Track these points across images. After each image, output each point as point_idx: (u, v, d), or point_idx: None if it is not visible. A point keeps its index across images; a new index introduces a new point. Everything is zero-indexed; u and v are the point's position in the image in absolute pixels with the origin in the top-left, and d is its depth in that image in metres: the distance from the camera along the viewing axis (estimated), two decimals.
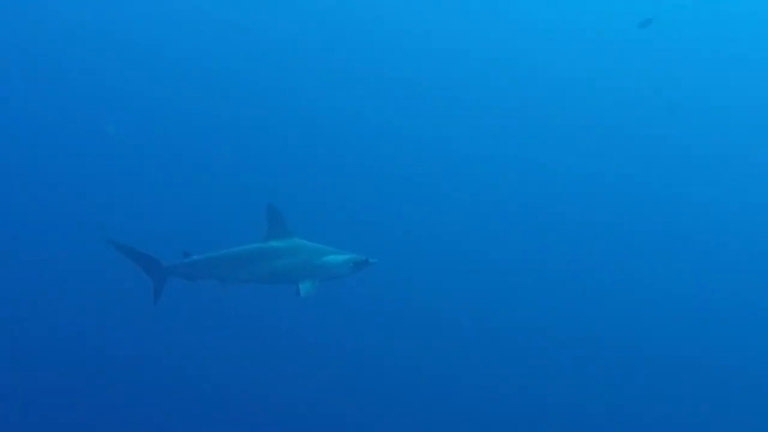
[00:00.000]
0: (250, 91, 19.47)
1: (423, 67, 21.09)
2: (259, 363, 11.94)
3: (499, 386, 12.42)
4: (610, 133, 20.00)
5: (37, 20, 19.79)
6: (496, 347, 13.26)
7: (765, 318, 14.99)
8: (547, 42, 21.96)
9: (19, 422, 10.30)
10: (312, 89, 19.88)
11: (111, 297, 11.84)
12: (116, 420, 10.73)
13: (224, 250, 7.87)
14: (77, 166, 16.58)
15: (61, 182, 15.87)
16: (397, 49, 21.59)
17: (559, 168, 18.61)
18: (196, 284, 7.97)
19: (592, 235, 16.73)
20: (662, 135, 19.78)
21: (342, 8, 21.87)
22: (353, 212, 15.31)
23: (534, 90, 20.69)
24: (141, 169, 16.65)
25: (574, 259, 15.80)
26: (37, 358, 11.23)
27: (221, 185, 15.98)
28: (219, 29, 20.74)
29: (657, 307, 14.86)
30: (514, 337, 13.54)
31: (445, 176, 17.91)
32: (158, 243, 8.19)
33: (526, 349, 13.41)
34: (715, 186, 19.05)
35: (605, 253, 16.31)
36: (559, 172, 18.51)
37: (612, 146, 19.69)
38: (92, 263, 11.22)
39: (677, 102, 17.11)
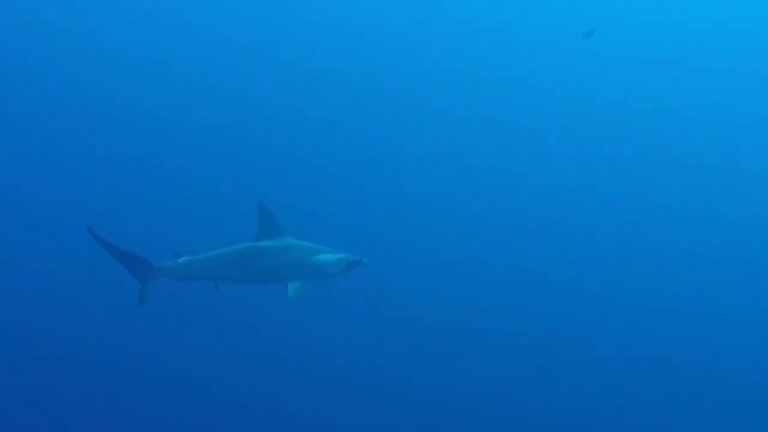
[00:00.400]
0: (239, 91, 19.42)
1: (413, 71, 21.09)
2: (249, 364, 11.89)
3: (491, 389, 12.41)
4: (603, 137, 20.16)
5: (33, 21, 19.70)
6: (487, 349, 13.24)
7: (758, 320, 15.06)
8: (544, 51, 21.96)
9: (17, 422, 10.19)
10: (301, 90, 19.85)
11: (99, 299, 11.78)
12: (108, 423, 10.64)
13: (215, 251, 7.80)
14: (63, 167, 16.45)
15: (47, 183, 15.76)
16: (386, 52, 21.58)
17: (555, 172, 18.65)
18: (187, 285, 7.89)
19: (585, 240, 16.79)
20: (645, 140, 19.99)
21: (335, 10, 21.86)
22: (344, 212, 15.25)
23: (527, 96, 20.73)
24: (129, 170, 16.49)
25: (566, 262, 15.78)
26: (31, 360, 11.12)
27: (211, 186, 15.95)
28: (209, 30, 20.69)
29: (650, 310, 14.90)
30: (506, 339, 13.52)
31: (435, 176, 17.89)
32: (146, 244, 8.11)
33: (518, 351, 13.38)
34: (698, 191, 19.16)
35: (597, 256, 16.33)
36: (554, 176, 18.56)
37: (608, 150, 19.84)
38: (79, 264, 11.15)
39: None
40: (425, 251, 15.14)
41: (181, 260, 7.79)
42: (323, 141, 18.61)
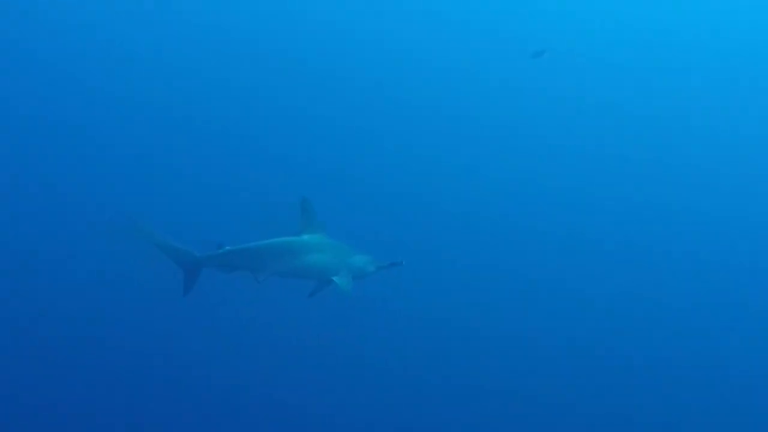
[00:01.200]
0: (278, 90, 19.72)
1: (441, 73, 21.42)
2: (265, 362, 11.94)
3: (501, 389, 12.48)
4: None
5: (38, 20, 19.74)
6: (495, 350, 13.33)
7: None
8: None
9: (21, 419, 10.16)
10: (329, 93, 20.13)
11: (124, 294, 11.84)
12: (121, 418, 10.63)
13: (258, 242, 7.90)
14: (106, 158, 16.55)
15: (85, 173, 15.85)
16: (427, 55, 21.83)
17: (567, 178, 18.92)
18: (227, 276, 7.98)
19: (596, 246, 16.97)
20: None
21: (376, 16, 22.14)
22: (363, 215, 15.35)
23: (545, 105, 21.01)
24: (176, 161, 16.68)
25: (578, 267, 15.96)
26: (46, 355, 11.12)
27: (254, 178, 16.14)
28: (256, 26, 20.86)
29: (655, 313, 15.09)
30: (515, 340, 13.60)
31: (448, 180, 18.10)
32: (189, 234, 8.19)
33: (526, 352, 13.47)
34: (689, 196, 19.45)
35: (608, 262, 16.52)
36: (566, 182, 18.82)
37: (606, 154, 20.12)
38: (116, 257, 11.21)
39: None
40: (433, 253, 15.22)
41: (223, 250, 7.89)
42: (353, 142, 18.94)
